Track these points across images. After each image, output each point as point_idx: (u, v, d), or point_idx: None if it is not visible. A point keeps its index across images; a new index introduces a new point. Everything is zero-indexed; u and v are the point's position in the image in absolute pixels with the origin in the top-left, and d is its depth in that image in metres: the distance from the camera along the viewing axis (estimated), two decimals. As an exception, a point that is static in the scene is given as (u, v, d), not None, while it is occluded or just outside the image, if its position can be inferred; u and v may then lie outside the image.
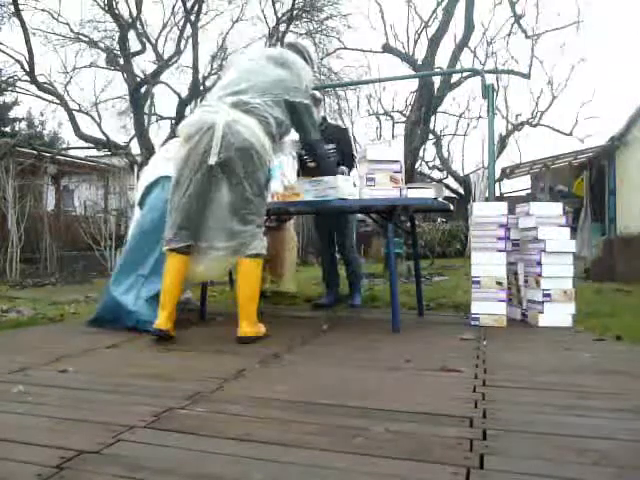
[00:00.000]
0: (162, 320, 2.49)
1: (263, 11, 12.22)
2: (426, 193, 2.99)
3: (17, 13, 9.44)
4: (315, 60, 2.94)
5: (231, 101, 2.48)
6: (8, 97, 18.46)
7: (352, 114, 15.27)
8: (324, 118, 3.95)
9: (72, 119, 10.27)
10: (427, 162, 16.36)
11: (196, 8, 10.95)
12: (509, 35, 12.14)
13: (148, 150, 9.42)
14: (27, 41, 9.46)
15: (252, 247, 2.50)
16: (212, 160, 2.39)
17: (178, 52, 11.14)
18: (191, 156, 2.45)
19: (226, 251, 2.50)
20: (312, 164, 3.72)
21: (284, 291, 4.65)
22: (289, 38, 12.22)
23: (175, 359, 2.24)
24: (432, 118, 10.47)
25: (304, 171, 3.71)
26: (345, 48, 12.59)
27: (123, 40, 10.37)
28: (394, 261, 3.09)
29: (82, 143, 10.87)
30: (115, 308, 2.89)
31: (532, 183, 13.61)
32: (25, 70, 9.81)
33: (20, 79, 10.46)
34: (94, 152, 11.87)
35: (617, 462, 1.14)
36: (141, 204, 3.22)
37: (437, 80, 8.61)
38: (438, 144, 15.62)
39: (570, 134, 14.13)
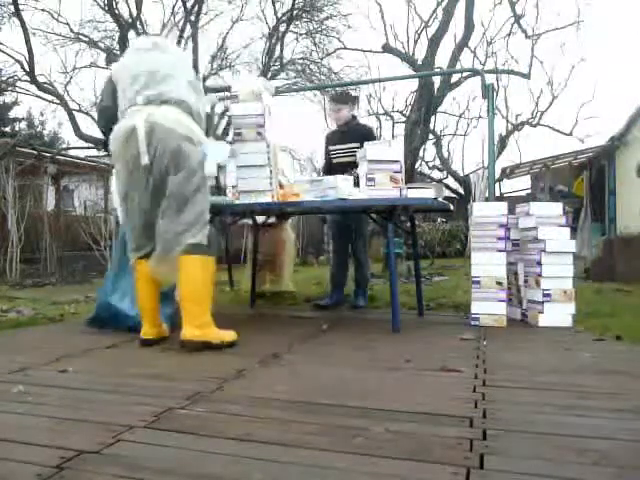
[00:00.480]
0: (146, 329, 2.52)
1: (263, 11, 12.25)
2: (426, 193, 2.99)
3: (17, 13, 9.44)
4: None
5: (142, 100, 2.40)
6: (8, 97, 18.47)
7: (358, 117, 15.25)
8: (354, 116, 4.00)
9: (72, 119, 10.27)
10: (427, 162, 16.37)
11: (196, 8, 10.95)
12: (509, 35, 12.16)
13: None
14: (27, 41, 9.45)
15: (186, 240, 2.34)
16: (144, 160, 2.33)
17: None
18: (127, 166, 2.40)
19: (160, 249, 2.38)
20: (342, 159, 3.79)
21: (283, 290, 4.66)
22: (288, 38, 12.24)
23: (175, 359, 2.24)
24: (432, 118, 10.46)
25: (333, 168, 3.79)
26: (345, 48, 12.60)
27: (123, 40, 10.36)
28: (394, 261, 3.09)
29: (82, 143, 10.86)
30: (112, 312, 2.90)
31: (532, 183, 13.60)
32: (25, 70, 9.81)
33: (20, 79, 10.46)
34: (94, 152, 11.87)
35: (617, 462, 1.14)
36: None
37: (437, 80, 8.61)
38: (438, 144, 15.63)
39: (570, 134, 14.14)
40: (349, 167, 3.56)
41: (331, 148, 3.96)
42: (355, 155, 3.71)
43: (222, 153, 2.82)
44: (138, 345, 2.51)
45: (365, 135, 3.74)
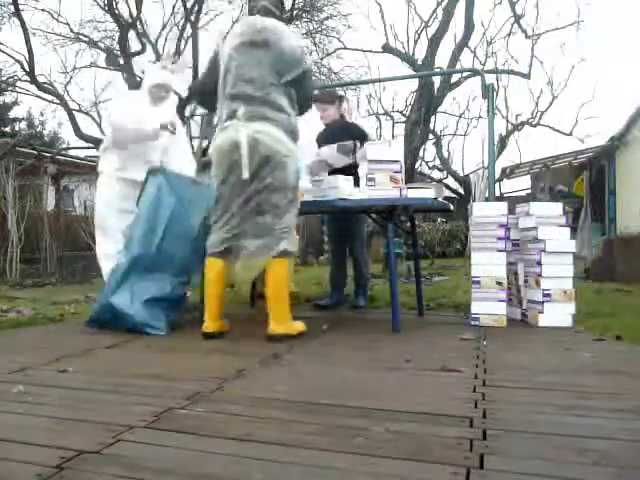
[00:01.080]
0: (208, 323, 2.66)
1: (263, 11, 12.20)
2: (426, 193, 2.99)
3: (17, 13, 9.44)
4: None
5: (243, 114, 2.53)
6: (8, 97, 18.48)
7: (352, 114, 15.26)
8: (342, 116, 3.96)
9: (72, 119, 10.28)
10: (427, 162, 16.38)
11: (196, 8, 10.96)
12: (509, 35, 12.15)
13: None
14: (27, 41, 9.46)
15: (278, 247, 2.56)
16: (245, 174, 2.50)
17: (178, 52, 11.14)
18: (225, 176, 2.58)
19: (255, 250, 2.56)
20: (335, 165, 3.79)
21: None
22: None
23: (175, 359, 2.24)
24: (432, 118, 10.46)
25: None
26: (345, 48, 12.60)
27: (123, 40, 10.38)
28: (394, 261, 3.09)
29: (82, 143, 10.87)
30: (112, 311, 2.90)
31: (532, 183, 13.60)
32: (25, 70, 9.81)
33: (20, 79, 10.47)
34: (94, 152, 11.87)
35: (617, 462, 1.14)
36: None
37: (437, 80, 8.61)
38: (438, 144, 15.62)
39: (570, 134, 14.14)
40: (342, 170, 3.50)
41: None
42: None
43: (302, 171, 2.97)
44: (201, 338, 2.63)
45: (351, 134, 3.74)
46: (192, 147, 4.50)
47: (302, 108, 2.74)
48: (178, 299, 3.02)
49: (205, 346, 2.48)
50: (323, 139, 3.89)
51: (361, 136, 3.75)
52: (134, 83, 10.39)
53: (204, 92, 2.88)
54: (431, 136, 13.57)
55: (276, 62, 2.56)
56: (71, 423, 1.40)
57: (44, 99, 10.98)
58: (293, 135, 2.63)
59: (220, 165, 2.61)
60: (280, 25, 2.66)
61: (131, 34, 10.64)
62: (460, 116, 15.62)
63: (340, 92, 3.77)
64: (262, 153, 2.51)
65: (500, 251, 3.05)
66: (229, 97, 2.60)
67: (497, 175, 12.04)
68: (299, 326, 2.71)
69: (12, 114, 20.20)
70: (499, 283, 3.03)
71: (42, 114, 19.48)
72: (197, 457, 1.17)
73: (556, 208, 3.18)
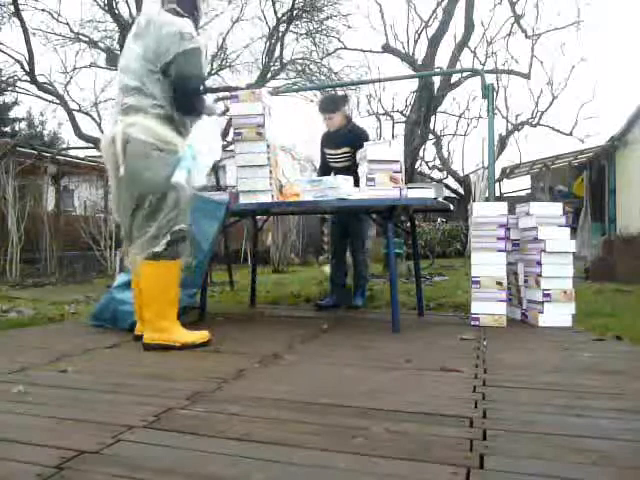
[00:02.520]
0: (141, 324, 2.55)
1: (263, 11, 12.24)
2: (426, 193, 3.00)
3: (17, 13, 9.44)
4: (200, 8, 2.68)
5: (121, 107, 2.46)
6: (8, 97, 18.49)
7: (352, 114, 15.25)
8: (348, 119, 3.92)
9: (72, 119, 10.27)
10: (427, 162, 16.36)
11: (196, 8, 10.92)
12: (509, 35, 12.13)
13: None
14: (27, 41, 9.46)
15: (149, 250, 2.39)
16: (122, 170, 2.39)
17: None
18: (110, 172, 2.50)
19: (135, 251, 2.44)
20: (337, 164, 3.78)
21: None
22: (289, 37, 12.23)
23: (175, 359, 2.24)
24: (432, 118, 10.46)
25: (329, 173, 3.76)
26: (345, 48, 12.58)
27: (123, 40, 10.36)
28: (394, 261, 3.09)
29: (82, 143, 10.87)
30: (112, 308, 2.91)
31: (532, 183, 13.60)
32: (25, 70, 9.81)
33: (20, 79, 10.46)
34: (94, 152, 11.87)
35: (617, 462, 1.14)
36: None
37: (437, 80, 8.60)
38: (438, 144, 15.62)
39: (570, 134, 14.12)
40: (344, 172, 3.50)
41: (326, 151, 3.94)
42: (349, 159, 3.72)
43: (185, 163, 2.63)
44: (133, 341, 2.54)
45: (358, 138, 3.71)
46: None
47: (177, 92, 2.44)
48: (180, 311, 2.99)
49: (205, 346, 2.48)
50: (330, 143, 3.89)
51: (366, 140, 3.74)
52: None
53: None
54: (431, 136, 13.56)
55: (150, 49, 2.42)
56: (71, 423, 1.40)
57: (44, 99, 10.98)
58: (172, 123, 2.46)
59: (106, 162, 2.55)
60: (165, 15, 2.50)
61: (131, 34, 10.61)
62: (460, 116, 15.60)
63: (344, 93, 3.71)
64: (135, 147, 2.38)
65: (500, 251, 3.05)
66: (118, 89, 2.55)
67: (497, 175, 12.04)
68: (189, 337, 2.45)
69: (12, 114, 20.22)
70: (499, 283, 3.03)
71: (42, 114, 19.50)
72: (197, 457, 1.17)
73: (556, 208, 3.19)
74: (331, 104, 3.91)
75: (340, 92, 4.24)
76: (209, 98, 2.74)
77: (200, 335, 2.48)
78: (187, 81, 2.44)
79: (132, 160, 2.39)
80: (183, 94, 2.45)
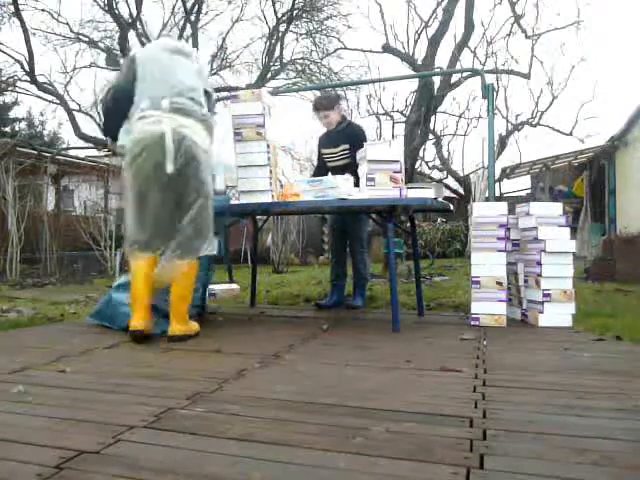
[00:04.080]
0: (138, 320, 2.56)
1: (263, 11, 12.25)
2: (426, 193, 3.00)
3: (17, 13, 9.44)
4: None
5: (169, 106, 2.48)
6: (8, 97, 18.48)
7: (352, 114, 15.26)
8: (343, 117, 3.94)
9: (72, 119, 10.27)
10: (427, 162, 16.34)
11: (196, 8, 10.96)
12: (509, 35, 12.11)
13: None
14: (27, 41, 9.46)
15: (195, 249, 2.55)
16: (169, 168, 2.43)
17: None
18: (144, 170, 2.49)
19: (174, 253, 2.52)
20: (336, 163, 3.77)
21: None
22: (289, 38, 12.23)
23: (175, 359, 2.24)
24: (432, 118, 10.45)
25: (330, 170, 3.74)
26: (345, 48, 12.57)
27: (123, 40, 10.37)
28: (394, 261, 3.09)
29: (82, 143, 10.86)
30: (112, 309, 2.91)
31: (532, 183, 13.59)
32: (25, 70, 9.81)
33: (20, 79, 10.46)
34: (94, 152, 11.87)
35: (617, 462, 1.14)
36: None
37: (437, 80, 8.59)
38: (438, 144, 15.61)
39: (570, 134, 14.11)
40: (343, 170, 3.50)
41: (324, 151, 3.92)
42: (348, 157, 3.72)
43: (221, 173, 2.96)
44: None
45: (355, 135, 3.73)
46: None
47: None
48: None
49: (205, 346, 2.48)
50: (327, 143, 3.88)
51: (361, 140, 3.74)
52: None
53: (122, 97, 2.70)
54: (431, 136, 13.55)
55: (197, 68, 2.69)
56: (71, 423, 1.40)
57: (44, 99, 10.98)
58: (212, 133, 2.65)
59: (137, 158, 2.51)
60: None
61: (131, 34, 10.64)
62: (460, 116, 15.58)
63: (337, 92, 3.73)
64: (185, 147, 2.46)
65: (500, 251, 3.06)
66: (152, 86, 2.55)
67: (497, 175, 12.04)
68: (194, 326, 2.70)
69: (12, 114, 20.22)
70: (499, 283, 3.04)
71: (42, 114, 19.49)
72: (197, 457, 1.17)
73: (556, 208, 3.19)
74: (325, 101, 3.91)
75: (330, 92, 4.24)
76: None
77: (196, 326, 2.72)
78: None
79: (190, 161, 2.48)
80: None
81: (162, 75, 2.56)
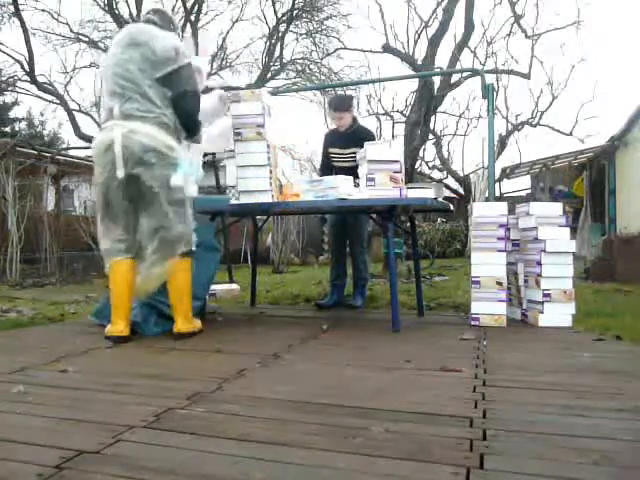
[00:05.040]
0: (122, 327, 2.57)
1: (263, 11, 12.25)
2: (426, 193, 2.99)
3: (17, 13, 9.44)
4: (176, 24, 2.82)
5: (120, 113, 2.51)
6: (8, 97, 18.49)
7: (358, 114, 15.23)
8: (354, 119, 3.93)
9: (72, 119, 10.27)
10: (427, 162, 16.34)
11: (196, 8, 10.96)
12: (509, 35, 12.11)
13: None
14: (27, 41, 9.46)
15: (179, 246, 2.58)
16: (120, 174, 2.49)
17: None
18: (104, 176, 2.55)
19: (156, 255, 2.54)
20: (343, 164, 3.77)
21: None
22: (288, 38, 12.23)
23: (175, 359, 2.24)
24: (432, 118, 10.45)
25: (334, 172, 3.74)
26: (345, 48, 12.57)
27: (123, 40, 10.34)
28: (394, 261, 3.08)
29: (82, 143, 10.85)
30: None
31: (532, 183, 13.59)
32: (25, 70, 9.81)
33: (20, 79, 10.46)
34: (94, 152, 11.83)
35: (617, 462, 1.14)
36: None
37: (437, 80, 8.59)
38: (438, 144, 15.60)
39: (570, 134, 14.11)
40: (350, 172, 3.51)
41: (332, 151, 3.93)
42: (354, 160, 3.72)
43: (194, 169, 2.77)
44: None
45: (365, 139, 3.74)
46: None
47: (177, 109, 2.58)
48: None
49: (205, 346, 2.48)
50: (337, 142, 3.88)
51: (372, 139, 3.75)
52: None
53: None
54: (431, 136, 13.55)
55: (148, 59, 2.53)
56: (71, 423, 1.40)
57: (44, 99, 10.98)
58: (174, 131, 2.58)
59: (98, 166, 2.59)
60: (154, 28, 2.65)
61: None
62: (460, 116, 15.58)
63: (350, 94, 3.74)
64: (136, 151, 2.48)
65: (500, 251, 3.05)
66: (107, 94, 2.58)
67: (497, 175, 12.04)
68: (199, 323, 2.78)
69: (12, 114, 20.22)
70: (499, 283, 3.03)
71: (42, 114, 19.48)
72: (197, 457, 1.18)
73: (556, 208, 3.18)
74: (344, 103, 3.93)
75: (348, 93, 4.29)
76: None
77: (199, 323, 2.79)
78: (187, 99, 2.60)
79: (143, 163, 2.48)
80: (183, 112, 2.61)
81: (112, 81, 2.56)
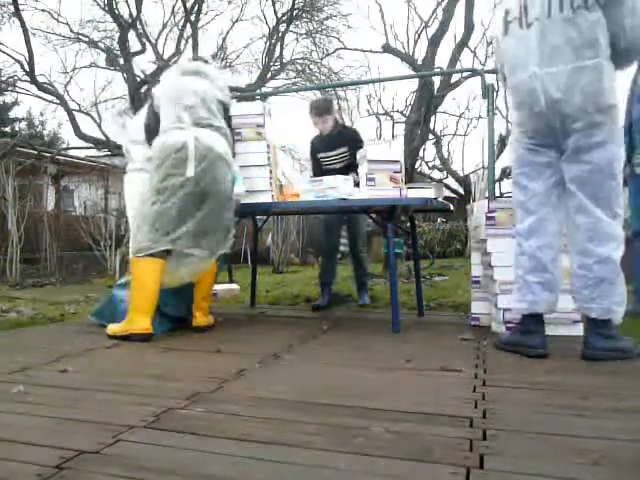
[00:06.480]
0: (149, 324, 2.60)
1: (263, 11, 12.28)
2: (426, 193, 2.99)
3: (17, 13, 9.45)
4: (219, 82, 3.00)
5: (189, 120, 2.68)
6: (8, 97, 18.49)
7: (352, 114, 15.26)
8: (336, 121, 3.94)
9: (72, 119, 10.28)
10: (427, 162, 16.36)
11: (196, 8, 10.97)
12: (509, 35, 12.08)
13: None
14: (27, 41, 9.47)
15: (219, 248, 2.77)
16: (189, 172, 2.60)
17: (178, 52, 11.15)
18: (170, 174, 2.62)
19: (205, 253, 2.71)
20: (336, 165, 3.78)
21: None
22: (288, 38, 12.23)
23: (175, 359, 2.24)
24: (432, 118, 10.45)
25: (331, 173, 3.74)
26: (345, 48, 12.59)
27: (123, 40, 10.38)
28: (394, 261, 3.09)
29: (82, 143, 10.87)
30: (112, 308, 2.92)
31: (532, 183, 13.54)
32: (25, 70, 9.82)
33: (20, 79, 10.47)
34: (94, 152, 11.87)
35: (617, 462, 1.14)
36: None
37: (437, 80, 8.60)
38: (438, 144, 15.61)
39: (570, 134, 14.08)
40: (341, 172, 3.50)
41: (320, 156, 3.91)
42: (346, 160, 3.74)
43: (240, 178, 3.03)
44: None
45: (352, 137, 3.78)
46: None
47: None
48: (181, 320, 2.98)
49: (205, 346, 2.48)
50: (324, 146, 3.88)
51: (358, 141, 3.75)
52: (134, 83, 10.40)
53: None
54: (431, 136, 13.55)
55: (214, 87, 2.83)
56: (71, 423, 1.40)
57: (44, 99, 10.99)
58: (231, 144, 2.84)
59: (164, 162, 2.65)
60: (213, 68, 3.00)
61: (131, 34, 10.64)
62: (460, 116, 15.60)
63: (327, 95, 3.77)
64: (206, 155, 2.64)
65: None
66: (187, 104, 2.72)
67: (497, 175, 12.03)
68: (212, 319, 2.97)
69: (12, 114, 20.22)
70: (499, 283, 3.02)
71: (42, 114, 19.49)
72: (197, 457, 1.18)
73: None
74: (324, 106, 3.90)
75: (326, 96, 4.22)
76: None
77: (212, 318, 2.99)
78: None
79: (209, 166, 2.64)
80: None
81: (179, 97, 2.74)
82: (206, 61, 3.03)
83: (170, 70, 2.98)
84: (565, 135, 2.11)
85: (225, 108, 2.88)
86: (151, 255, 2.58)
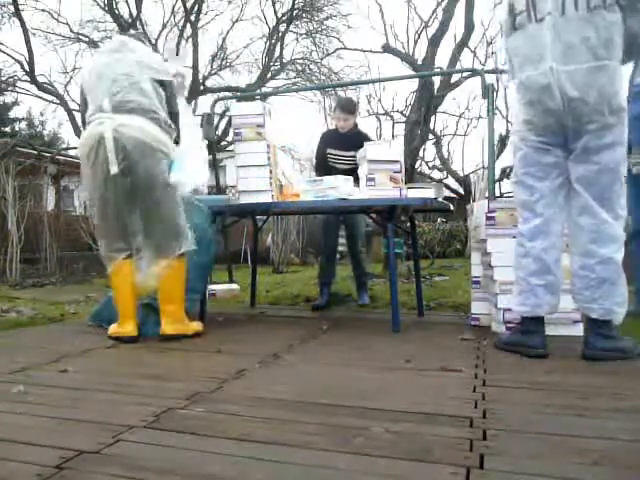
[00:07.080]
0: (132, 327, 2.56)
1: (263, 11, 12.28)
2: (426, 193, 2.99)
3: (17, 13, 9.46)
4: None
5: (110, 106, 2.42)
6: (8, 97, 18.49)
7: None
8: (356, 124, 3.97)
9: (72, 119, 10.29)
10: (427, 162, 16.36)
11: (196, 8, 10.98)
12: (509, 35, 12.10)
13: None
14: (27, 41, 9.48)
15: (171, 247, 2.53)
16: (113, 169, 2.39)
17: (178, 52, 11.14)
18: (96, 173, 2.45)
19: (149, 255, 2.52)
20: (343, 166, 3.78)
21: None
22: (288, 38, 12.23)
23: (175, 359, 2.24)
24: (432, 118, 10.45)
25: (331, 173, 3.73)
26: (345, 48, 12.60)
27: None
28: (394, 261, 3.08)
29: (82, 143, 10.85)
30: (110, 309, 2.92)
31: (532, 183, 13.54)
32: (25, 70, 9.84)
33: (20, 79, 10.49)
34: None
35: (617, 462, 1.14)
36: None
37: (437, 80, 8.60)
38: (438, 144, 15.61)
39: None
40: (348, 174, 3.50)
41: (331, 152, 3.92)
42: (354, 164, 3.74)
43: (187, 165, 2.70)
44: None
45: (364, 143, 3.78)
46: None
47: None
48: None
49: (205, 346, 2.48)
50: (336, 144, 3.89)
51: None
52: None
53: None
54: (431, 136, 13.55)
55: (143, 60, 2.53)
56: (71, 423, 1.40)
57: (44, 99, 11.02)
58: (165, 125, 2.51)
59: (88, 163, 2.48)
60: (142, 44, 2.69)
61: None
62: (460, 116, 15.61)
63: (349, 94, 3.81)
64: (126, 145, 2.39)
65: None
66: (93, 92, 2.50)
67: (497, 175, 12.03)
68: (193, 327, 2.69)
69: (12, 114, 20.23)
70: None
71: (42, 114, 19.51)
72: (197, 457, 1.18)
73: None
74: (352, 106, 3.99)
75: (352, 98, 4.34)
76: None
77: (197, 326, 2.73)
78: (174, 115, 2.60)
79: (136, 159, 2.40)
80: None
81: (99, 81, 2.48)
82: (138, 38, 2.72)
83: (97, 51, 2.82)
84: (576, 135, 2.10)
85: (164, 87, 2.55)
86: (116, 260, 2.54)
